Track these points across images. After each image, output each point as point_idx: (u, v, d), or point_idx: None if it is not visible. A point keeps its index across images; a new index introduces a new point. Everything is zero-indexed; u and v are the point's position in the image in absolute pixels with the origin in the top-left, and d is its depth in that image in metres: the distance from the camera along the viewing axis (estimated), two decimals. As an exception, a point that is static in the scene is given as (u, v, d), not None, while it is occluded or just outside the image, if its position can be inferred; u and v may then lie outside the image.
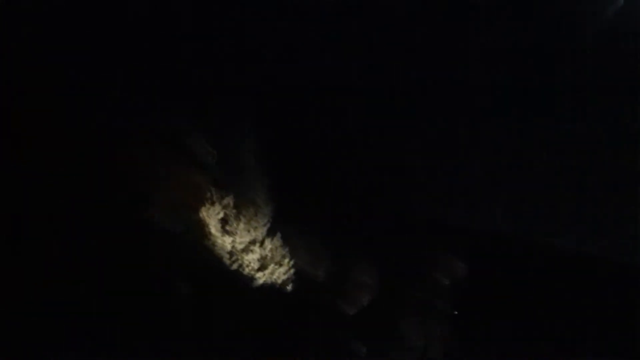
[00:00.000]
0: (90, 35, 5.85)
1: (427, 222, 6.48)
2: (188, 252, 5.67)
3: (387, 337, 6.11)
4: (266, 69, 6.46)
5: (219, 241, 5.77)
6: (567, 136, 6.58)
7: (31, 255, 4.81)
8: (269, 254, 5.96)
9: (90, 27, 5.90)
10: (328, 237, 6.24)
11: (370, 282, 6.18)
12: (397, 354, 6.08)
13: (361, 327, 6.03)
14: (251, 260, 5.85)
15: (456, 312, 6.24)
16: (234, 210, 5.88)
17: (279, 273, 5.95)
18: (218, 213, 5.80)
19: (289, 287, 5.99)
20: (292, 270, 6.03)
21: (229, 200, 5.87)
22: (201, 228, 5.72)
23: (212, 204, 5.80)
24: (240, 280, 5.77)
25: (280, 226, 6.08)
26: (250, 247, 5.89)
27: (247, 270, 5.82)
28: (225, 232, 5.81)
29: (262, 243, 5.96)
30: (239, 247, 5.84)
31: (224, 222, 5.82)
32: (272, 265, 5.95)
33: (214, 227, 5.76)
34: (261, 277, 5.87)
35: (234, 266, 5.78)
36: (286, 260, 6.03)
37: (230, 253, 5.80)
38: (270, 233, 6.03)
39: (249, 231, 5.90)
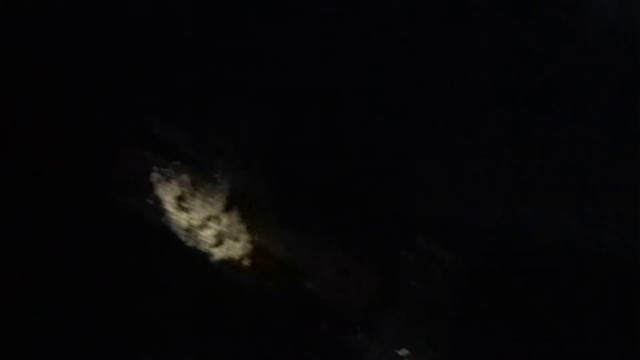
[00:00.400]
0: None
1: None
2: (144, 231, 5.70)
3: (348, 319, 5.81)
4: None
5: (175, 218, 5.72)
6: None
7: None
8: (226, 230, 5.83)
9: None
10: (290, 212, 5.99)
11: (333, 262, 5.87)
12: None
13: (321, 305, 5.77)
14: (207, 236, 5.76)
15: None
16: (191, 187, 5.80)
17: (235, 248, 5.81)
18: (174, 190, 5.76)
19: (247, 263, 5.83)
20: (249, 245, 5.87)
21: (185, 176, 5.81)
22: (157, 205, 5.71)
23: (168, 180, 5.76)
24: (197, 257, 5.71)
25: (238, 201, 5.92)
26: (206, 222, 5.79)
27: (203, 246, 5.74)
28: (181, 208, 5.75)
29: (218, 218, 5.84)
30: (195, 223, 5.77)
31: (179, 198, 5.77)
32: (229, 240, 5.82)
33: (169, 204, 5.73)
34: (218, 253, 5.77)
35: (190, 242, 5.72)
36: (243, 235, 5.87)
37: (187, 229, 5.74)
38: (227, 208, 5.89)
39: (205, 207, 5.80)
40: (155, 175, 5.72)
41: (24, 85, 5.83)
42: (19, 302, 5.13)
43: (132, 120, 6.01)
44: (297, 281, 5.78)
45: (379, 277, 5.97)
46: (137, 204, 5.70)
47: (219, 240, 5.79)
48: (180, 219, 5.70)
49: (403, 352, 5.87)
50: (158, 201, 5.70)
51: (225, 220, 5.83)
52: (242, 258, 5.80)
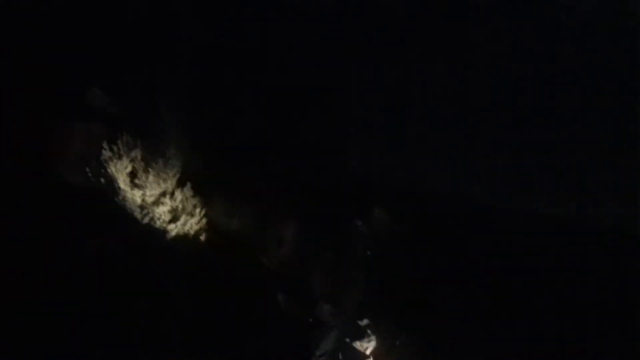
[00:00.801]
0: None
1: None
2: (98, 209, 5.70)
3: (307, 293, 6.03)
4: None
5: (129, 195, 5.73)
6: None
7: None
8: (180, 205, 5.89)
9: None
10: (244, 187, 6.07)
11: (289, 236, 6.02)
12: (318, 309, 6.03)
13: (279, 280, 5.96)
14: (162, 212, 5.81)
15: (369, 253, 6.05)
16: (142, 163, 5.78)
17: (190, 224, 5.90)
18: (126, 167, 5.73)
19: (202, 238, 5.95)
20: (204, 220, 5.96)
21: (136, 153, 5.77)
22: (110, 183, 5.69)
23: (120, 157, 5.72)
24: (152, 234, 5.77)
25: (191, 177, 5.96)
26: (160, 199, 5.83)
27: (158, 223, 5.80)
28: (134, 185, 5.75)
29: (172, 194, 5.88)
30: (150, 200, 5.80)
31: (132, 175, 5.76)
32: (184, 216, 5.89)
33: (122, 182, 5.72)
34: (173, 229, 5.84)
35: (146, 220, 5.76)
36: (197, 210, 5.95)
37: (141, 207, 5.77)
38: (180, 184, 5.92)
39: (158, 183, 5.82)
40: (106, 153, 5.67)
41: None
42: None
43: (76, 93, 5.88)
44: (253, 256, 5.94)
45: (335, 249, 6.15)
46: (88, 184, 5.65)
47: (174, 217, 5.85)
48: (134, 196, 5.71)
49: (364, 322, 6.13)
50: (110, 179, 5.67)
51: (179, 195, 5.88)
52: (197, 233, 5.90)
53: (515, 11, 6.00)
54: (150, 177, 5.78)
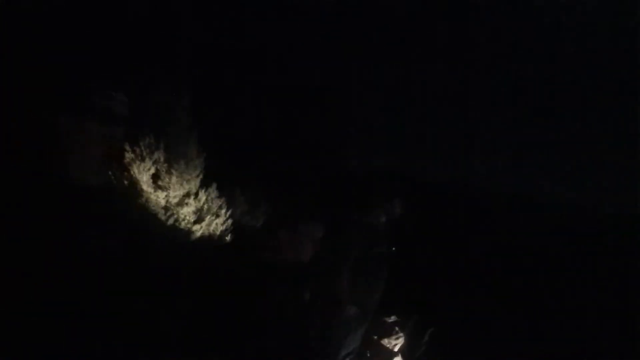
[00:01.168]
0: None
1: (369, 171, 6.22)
2: (123, 211, 5.64)
3: (331, 287, 6.00)
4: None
5: (153, 197, 5.67)
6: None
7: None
8: (205, 206, 5.84)
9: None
10: (266, 185, 6.04)
11: (312, 231, 6.00)
12: (340, 303, 6.00)
13: (304, 277, 5.93)
14: (187, 213, 5.76)
15: (394, 249, 6.03)
16: (165, 165, 5.73)
17: (216, 224, 5.85)
18: (149, 169, 5.68)
19: (228, 238, 5.91)
20: (229, 221, 5.92)
21: (159, 154, 5.72)
22: (133, 185, 5.63)
23: (142, 159, 5.67)
24: (177, 235, 5.72)
25: (215, 177, 5.91)
26: (184, 200, 5.78)
27: (183, 224, 5.75)
28: (157, 187, 5.70)
29: (196, 195, 5.83)
30: (174, 201, 5.75)
31: (155, 177, 5.70)
32: (209, 216, 5.84)
33: (145, 184, 5.66)
34: (198, 230, 5.80)
35: (170, 221, 5.71)
36: (223, 211, 5.91)
37: (165, 208, 5.72)
38: (204, 184, 5.88)
39: (182, 184, 5.76)
40: (128, 155, 5.62)
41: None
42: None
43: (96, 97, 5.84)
44: (270, 254, 5.92)
45: (358, 247, 6.15)
46: (104, 185, 5.60)
47: (199, 217, 5.81)
48: (158, 197, 5.66)
49: (392, 319, 6.12)
50: (133, 181, 5.62)
51: (203, 196, 5.84)
52: (223, 234, 5.86)
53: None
54: (174, 179, 5.73)
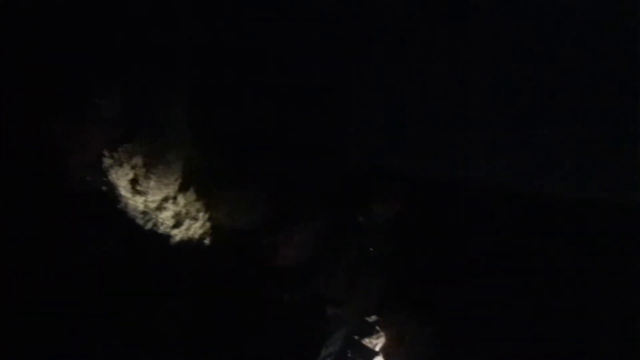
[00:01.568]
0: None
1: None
2: (100, 217, 5.67)
3: (313, 292, 6.02)
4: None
5: (131, 202, 5.70)
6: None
7: None
8: (183, 210, 5.87)
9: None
10: (249, 188, 6.06)
11: (294, 236, 6.02)
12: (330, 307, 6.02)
13: (284, 281, 5.95)
14: (165, 217, 5.78)
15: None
16: (143, 169, 5.76)
17: (195, 228, 5.87)
18: (127, 174, 5.71)
19: (207, 242, 5.92)
20: (208, 224, 5.94)
21: (137, 159, 5.75)
22: (111, 191, 5.67)
23: (121, 165, 5.70)
24: (156, 240, 5.73)
25: (194, 180, 5.94)
26: (163, 204, 5.80)
27: (162, 229, 5.77)
28: (136, 192, 5.73)
29: (175, 199, 5.86)
30: (152, 205, 5.77)
31: (134, 182, 5.73)
32: (188, 220, 5.87)
33: (124, 189, 5.69)
34: (177, 234, 5.82)
35: (149, 225, 5.73)
36: (201, 215, 5.93)
37: (144, 213, 5.75)
38: (183, 188, 5.91)
39: (160, 189, 5.79)
40: (107, 161, 5.65)
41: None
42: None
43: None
44: (256, 256, 5.93)
45: (340, 247, 6.16)
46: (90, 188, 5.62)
47: (178, 221, 5.83)
48: (136, 202, 5.68)
49: (372, 318, 6.13)
50: (112, 187, 5.65)
51: (182, 200, 5.86)
52: (202, 237, 5.87)
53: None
54: (152, 183, 5.76)
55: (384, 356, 6.14)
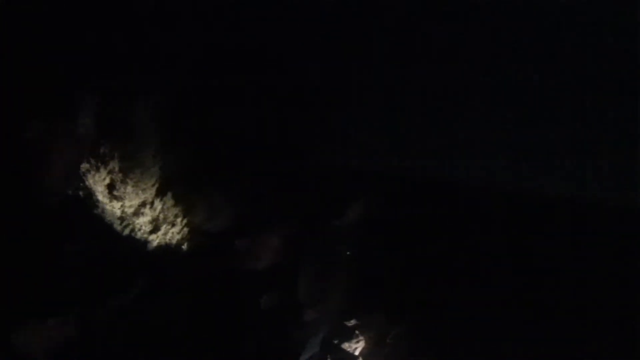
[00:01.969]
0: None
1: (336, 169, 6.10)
2: (78, 223, 5.68)
3: (293, 296, 6.01)
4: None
5: (108, 207, 5.69)
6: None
7: None
8: (161, 215, 5.84)
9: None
10: (230, 190, 5.99)
11: (272, 236, 5.96)
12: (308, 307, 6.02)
13: (263, 284, 5.95)
14: (143, 223, 5.78)
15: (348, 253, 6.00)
16: (120, 174, 5.71)
17: (172, 233, 5.87)
18: (104, 179, 5.67)
19: (185, 247, 5.92)
20: (186, 229, 5.92)
21: (114, 164, 5.70)
22: (88, 197, 5.65)
23: (97, 169, 5.66)
24: (133, 245, 5.75)
25: (171, 185, 5.89)
26: (140, 209, 5.78)
27: (139, 234, 5.77)
28: (113, 197, 5.71)
29: (152, 204, 5.83)
30: (129, 211, 5.76)
31: (111, 187, 5.70)
32: (165, 225, 5.85)
33: (100, 194, 5.67)
34: (155, 239, 5.82)
35: (126, 231, 5.74)
36: (179, 220, 5.91)
37: (121, 218, 5.74)
38: (160, 193, 5.86)
39: (137, 194, 5.76)
40: (84, 166, 5.61)
41: None
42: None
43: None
44: (235, 260, 5.92)
45: (321, 250, 6.11)
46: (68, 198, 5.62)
47: (155, 227, 5.82)
48: (113, 208, 5.67)
49: (352, 322, 6.14)
50: (89, 192, 5.63)
51: (159, 205, 5.83)
52: (179, 243, 5.87)
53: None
54: (129, 188, 5.72)
55: (364, 359, 6.17)
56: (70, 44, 5.76)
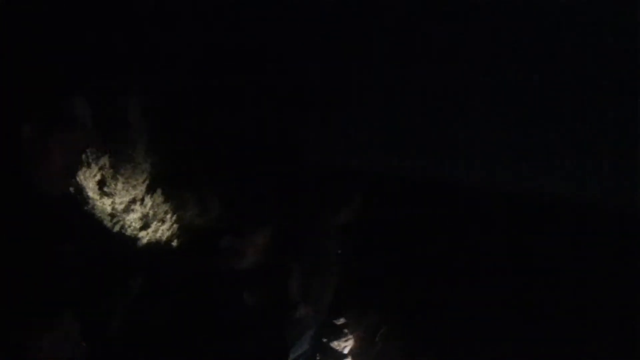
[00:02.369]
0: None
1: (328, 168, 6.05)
2: (69, 220, 5.69)
3: (281, 291, 5.97)
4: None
5: (99, 204, 5.70)
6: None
7: None
8: (151, 212, 5.84)
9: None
10: (221, 187, 5.96)
11: (261, 234, 5.91)
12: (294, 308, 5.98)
13: (254, 283, 5.91)
14: (133, 219, 5.78)
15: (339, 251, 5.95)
16: (111, 170, 5.70)
17: (162, 230, 5.86)
18: (95, 175, 5.67)
19: (175, 244, 5.92)
20: (175, 226, 5.91)
21: (105, 160, 5.69)
22: (79, 193, 5.65)
23: (89, 166, 5.66)
24: (124, 242, 5.76)
25: (162, 182, 5.87)
26: (130, 206, 5.78)
27: (129, 231, 5.78)
28: (103, 193, 5.70)
29: (142, 201, 5.82)
30: (119, 207, 5.76)
31: (101, 183, 5.70)
32: (155, 222, 5.85)
33: (91, 190, 5.67)
34: (145, 236, 5.82)
35: (116, 228, 5.75)
36: (169, 216, 5.90)
37: (111, 215, 5.75)
38: (151, 190, 5.85)
39: (128, 190, 5.75)
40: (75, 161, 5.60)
41: None
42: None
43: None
44: (227, 259, 5.88)
45: (312, 249, 6.06)
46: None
47: (145, 223, 5.82)
48: (104, 204, 5.68)
49: (341, 321, 6.11)
50: (79, 188, 5.63)
51: (149, 202, 5.83)
52: (169, 240, 5.87)
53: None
54: (119, 184, 5.72)
55: (354, 358, 6.16)
56: (70, 44, 5.75)
